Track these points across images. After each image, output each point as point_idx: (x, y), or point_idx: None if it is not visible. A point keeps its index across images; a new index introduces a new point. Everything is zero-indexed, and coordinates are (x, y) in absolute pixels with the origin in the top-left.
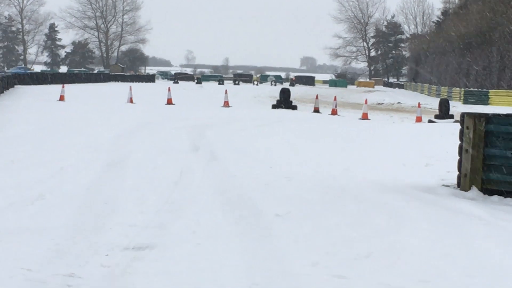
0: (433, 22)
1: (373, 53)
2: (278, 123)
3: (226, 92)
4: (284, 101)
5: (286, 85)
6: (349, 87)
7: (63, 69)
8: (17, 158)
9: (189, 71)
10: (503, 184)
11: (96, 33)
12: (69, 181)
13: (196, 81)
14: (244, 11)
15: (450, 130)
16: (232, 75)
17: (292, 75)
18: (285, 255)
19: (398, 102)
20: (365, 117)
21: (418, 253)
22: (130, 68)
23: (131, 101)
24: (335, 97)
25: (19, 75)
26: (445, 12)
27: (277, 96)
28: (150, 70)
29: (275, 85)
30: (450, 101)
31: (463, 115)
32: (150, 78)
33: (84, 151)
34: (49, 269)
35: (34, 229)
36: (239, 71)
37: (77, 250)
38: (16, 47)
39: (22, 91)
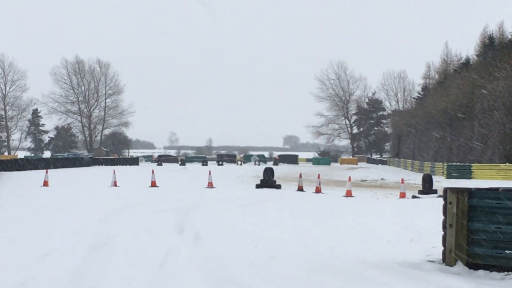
0: (414, 98)
1: (355, 130)
2: (262, 202)
3: (210, 173)
4: (268, 181)
5: (269, 164)
6: (333, 164)
7: (47, 154)
8: (0, 243)
9: (172, 152)
10: (488, 258)
11: (79, 118)
12: (53, 266)
13: (179, 162)
14: (225, 91)
15: (434, 205)
16: (215, 156)
17: (276, 154)
18: None
19: (382, 179)
20: (349, 194)
21: None
22: (113, 151)
23: (115, 185)
24: (319, 175)
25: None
26: (425, 88)
27: (261, 175)
28: (134, 152)
29: (258, 164)
30: (433, 176)
31: (446, 190)
32: (134, 161)
33: (68, 235)
34: None
35: None
36: (222, 152)
37: None
38: None
39: (5, 177)
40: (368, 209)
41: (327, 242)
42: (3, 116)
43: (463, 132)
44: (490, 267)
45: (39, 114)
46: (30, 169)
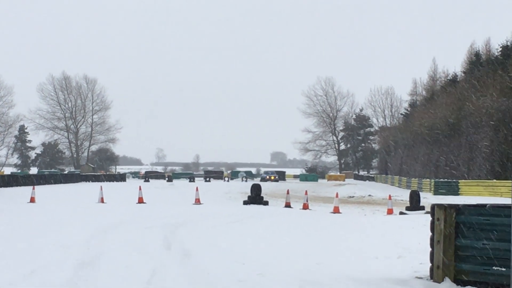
0: (401, 114)
1: (342, 147)
2: (249, 219)
3: (197, 189)
4: (256, 197)
5: (257, 180)
6: (320, 181)
7: (34, 170)
8: None
9: (159, 169)
10: (476, 274)
11: (66, 134)
12: (40, 283)
13: (167, 179)
14: (212, 108)
15: (422, 222)
16: (203, 172)
17: (263, 170)
18: None
19: (369, 195)
20: (336, 210)
21: None
22: (100, 167)
23: (102, 201)
24: (306, 191)
25: None
26: (412, 104)
27: (248, 192)
28: (120, 169)
29: (246, 181)
30: (420, 193)
31: (433, 206)
32: (121, 177)
33: (55, 252)
34: None
35: None
36: (209, 168)
37: None
38: None
39: None
40: (356, 226)
41: (315, 258)
42: None
43: (450, 148)
44: (478, 284)
45: (25, 130)
46: (17, 185)
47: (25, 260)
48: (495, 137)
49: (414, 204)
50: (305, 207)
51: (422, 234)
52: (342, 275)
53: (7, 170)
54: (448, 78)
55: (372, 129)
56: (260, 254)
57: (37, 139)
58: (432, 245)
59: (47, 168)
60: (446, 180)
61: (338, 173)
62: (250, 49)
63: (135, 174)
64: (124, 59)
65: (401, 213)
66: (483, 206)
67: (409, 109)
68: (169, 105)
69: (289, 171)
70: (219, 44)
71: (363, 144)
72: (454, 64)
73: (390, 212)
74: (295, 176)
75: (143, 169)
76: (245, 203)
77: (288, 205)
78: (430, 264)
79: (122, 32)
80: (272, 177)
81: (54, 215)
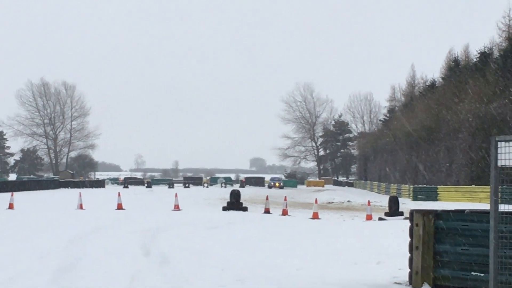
0: (380, 120)
1: (322, 152)
2: (229, 225)
3: (176, 195)
4: (235, 203)
5: (236, 186)
6: (299, 186)
7: (12, 176)
8: None
9: (139, 175)
10: (454, 280)
11: (44, 140)
12: None
13: (146, 185)
14: (191, 114)
15: (401, 227)
16: (182, 178)
17: (242, 176)
18: None
19: (348, 201)
20: (315, 216)
21: None
22: (80, 174)
23: (81, 207)
24: (285, 197)
25: None
26: (391, 110)
27: (227, 198)
28: (100, 175)
29: (225, 187)
30: (399, 198)
31: (412, 212)
32: (100, 184)
33: (34, 258)
34: None
35: None
36: (189, 174)
37: None
38: None
39: None
40: (335, 231)
41: (294, 264)
42: None
43: (429, 154)
44: None
45: (4, 137)
46: None
47: (3, 266)
48: (473, 142)
49: (393, 210)
50: (285, 213)
51: (401, 239)
52: (321, 281)
53: None
54: (427, 84)
55: (351, 135)
56: (239, 260)
57: (15, 145)
58: (411, 251)
59: (26, 175)
60: (425, 185)
61: (317, 179)
62: (228, 55)
63: (114, 180)
64: (102, 66)
65: (380, 218)
66: (461, 211)
67: (388, 115)
68: (148, 111)
69: (268, 177)
70: (197, 50)
71: (342, 150)
72: (433, 70)
73: (369, 218)
74: None
75: (122, 175)
76: (224, 209)
77: (267, 211)
78: (409, 270)
79: (100, 39)
80: (277, 184)
81: (33, 221)
